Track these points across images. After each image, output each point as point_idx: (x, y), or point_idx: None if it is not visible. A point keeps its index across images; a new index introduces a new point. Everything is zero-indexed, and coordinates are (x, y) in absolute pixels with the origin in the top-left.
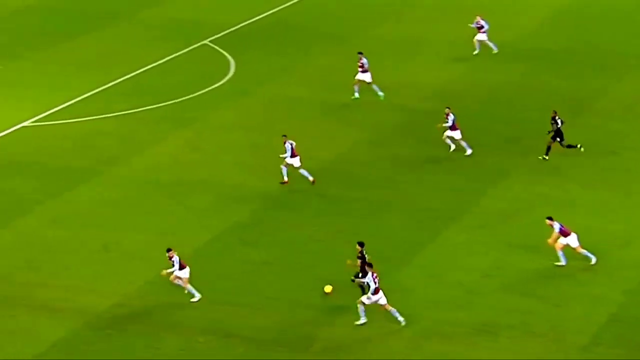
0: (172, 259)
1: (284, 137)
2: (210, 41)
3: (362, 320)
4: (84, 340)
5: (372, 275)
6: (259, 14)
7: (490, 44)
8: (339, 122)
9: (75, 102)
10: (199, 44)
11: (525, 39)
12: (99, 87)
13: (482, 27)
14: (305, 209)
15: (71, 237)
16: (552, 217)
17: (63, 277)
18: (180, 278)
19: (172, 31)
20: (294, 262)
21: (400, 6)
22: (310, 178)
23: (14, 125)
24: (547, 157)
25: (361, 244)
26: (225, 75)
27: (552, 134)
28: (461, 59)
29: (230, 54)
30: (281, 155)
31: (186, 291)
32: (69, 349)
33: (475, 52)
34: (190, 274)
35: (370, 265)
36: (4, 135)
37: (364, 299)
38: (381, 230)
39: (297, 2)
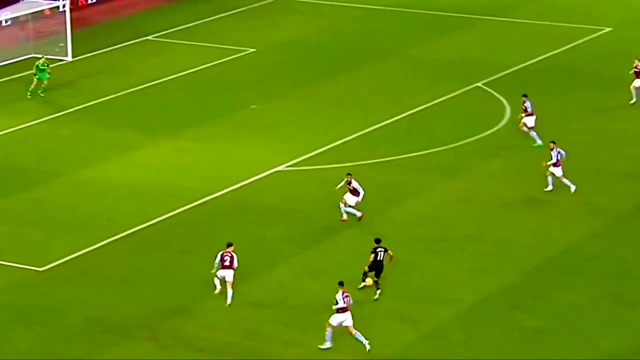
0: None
1: (348, 176)
2: (483, 83)
3: (327, 344)
4: None
5: (342, 294)
6: (536, 57)
7: None
8: (620, 173)
9: (334, 146)
10: (471, 86)
11: None
12: (360, 130)
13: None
14: (582, 273)
15: (325, 291)
16: None
17: (315, 335)
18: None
19: (442, 71)
20: (570, 330)
21: None
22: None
23: (268, 169)
24: None
25: (377, 241)
26: (500, 120)
27: None
28: None
29: (505, 98)
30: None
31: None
32: None
33: (632, 101)
34: (234, 278)
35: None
36: (257, 179)
37: (331, 320)
38: None
39: (574, 45)
